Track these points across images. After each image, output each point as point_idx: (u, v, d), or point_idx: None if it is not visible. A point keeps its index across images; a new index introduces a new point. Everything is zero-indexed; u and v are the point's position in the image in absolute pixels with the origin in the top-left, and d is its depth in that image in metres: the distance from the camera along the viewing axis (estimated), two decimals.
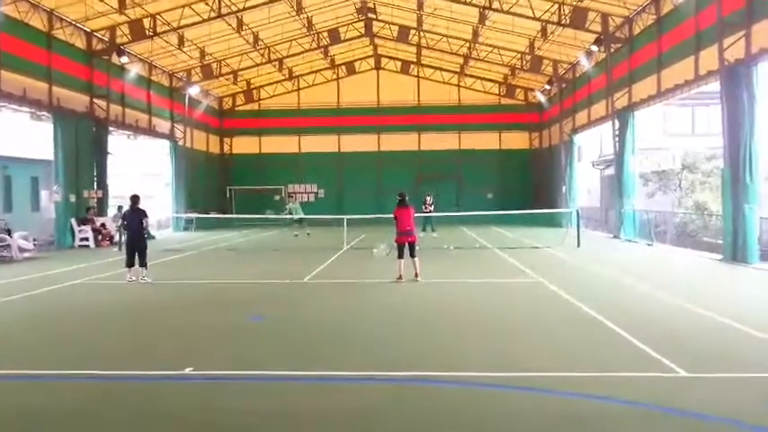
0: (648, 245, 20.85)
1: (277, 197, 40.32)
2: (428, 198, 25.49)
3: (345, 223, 22.05)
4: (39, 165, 25.14)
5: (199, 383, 6.17)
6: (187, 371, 6.44)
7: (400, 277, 12.44)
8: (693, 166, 24.86)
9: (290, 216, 26.54)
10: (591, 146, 33.18)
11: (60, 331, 8.64)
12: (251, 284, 13.09)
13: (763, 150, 15.23)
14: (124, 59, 25.65)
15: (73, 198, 22.56)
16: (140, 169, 35.28)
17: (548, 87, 35.19)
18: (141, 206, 13.28)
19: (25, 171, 25.59)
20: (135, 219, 12.96)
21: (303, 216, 26.47)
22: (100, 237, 22.67)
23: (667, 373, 6.23)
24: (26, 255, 18.11)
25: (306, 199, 39.66)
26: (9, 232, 18.17)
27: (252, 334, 8.40)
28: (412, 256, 12.67)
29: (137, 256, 12.95)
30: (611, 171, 28.34)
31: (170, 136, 32.04)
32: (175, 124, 32.96)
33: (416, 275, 12.58)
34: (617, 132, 24.43)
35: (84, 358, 7.19)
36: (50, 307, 10.57)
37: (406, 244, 12.55)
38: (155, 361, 6.98)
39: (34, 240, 19.50)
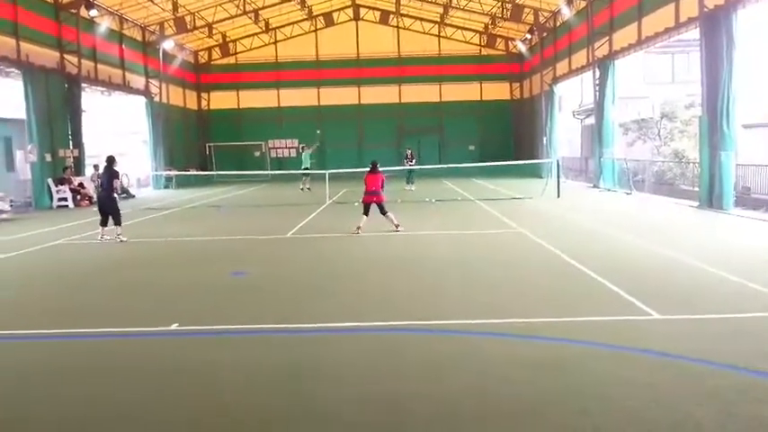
0: (627, 194, 21.13)
1: (257, 153, 39.91)
2: (409, 152, 25.97)
3: (327, 178, 22.03)
4: (12, 124, 24.48)
5: (185, 338, 6.27)
6: (173, 327, 6.52)
7: (358, 229, 13.05)
8: (672, 114, 24.98)
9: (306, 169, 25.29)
10: (571, 96, 33.11)
11: (45, 292, 8.63)
12: (233, 240, 13.10)
13: (739, 97, 15.35)
14: (93, 13, 24.84)
15: (49, 157, 22.14)
16: (117, 127, 34.54)
17: (528, 37, 34.83)
18: (117, 167, 13.26)
19: None
20: (105, 179, 12.97)
21: (308, 169, 25.49)
22: (78, 197, 22.37)
23: (642, 316, 6.47)
24: (3, 216, 17.86)
25: (288, 154, 39.40)
26: None
27: (235, 289, 8.47)
28: (383, 213, 13.33)
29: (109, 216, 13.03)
30: (591, 121, 28.43)
31: (145, 92, 31.34)
32: (150, 80, 32.20)
33: (396, 227, 13.21)
34: (597, 81, 24.41)
35: (72, 317, 7.22)
36: (32, 268, 10.52)
37: (372, 204, 13.33)
38: (141, 318, 7.02)
39: (11, 201, 19.20)
